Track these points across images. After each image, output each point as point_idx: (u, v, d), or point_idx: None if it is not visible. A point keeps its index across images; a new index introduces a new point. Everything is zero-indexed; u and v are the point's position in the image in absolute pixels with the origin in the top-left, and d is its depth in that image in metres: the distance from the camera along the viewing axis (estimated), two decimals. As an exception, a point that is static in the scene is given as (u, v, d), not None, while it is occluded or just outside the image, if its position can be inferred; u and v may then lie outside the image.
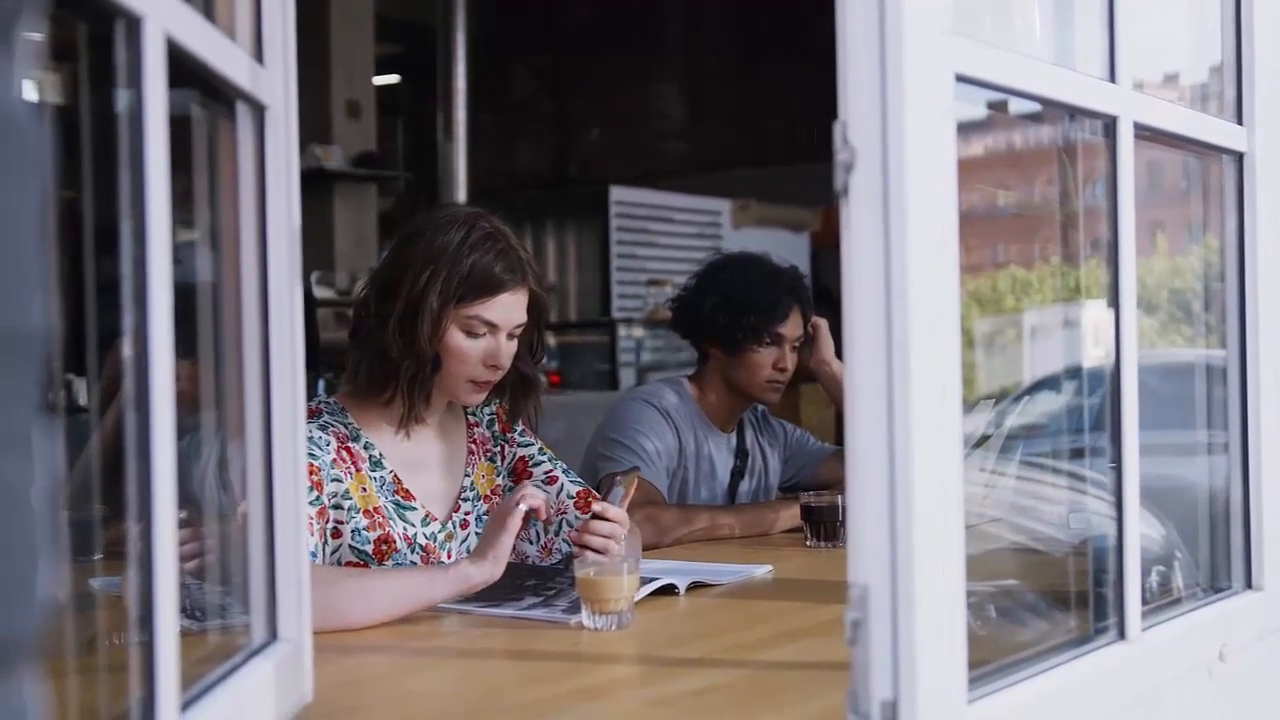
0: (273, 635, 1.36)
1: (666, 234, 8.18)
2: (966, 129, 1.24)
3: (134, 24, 0.98)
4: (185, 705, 1.07)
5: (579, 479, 2.40)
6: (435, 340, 2.16)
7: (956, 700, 1.20)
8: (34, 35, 0.60)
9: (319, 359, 4.86)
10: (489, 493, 2.36)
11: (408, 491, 2.24)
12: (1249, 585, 1.79)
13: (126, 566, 1.07)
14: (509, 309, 2.19)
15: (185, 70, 1.10)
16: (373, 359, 2.19)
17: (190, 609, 1.29)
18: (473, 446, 2.37)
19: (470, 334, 2.18)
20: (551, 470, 2.38)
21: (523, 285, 2.20)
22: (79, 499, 1.64)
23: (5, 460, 0.52)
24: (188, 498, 1.10)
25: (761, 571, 2.34)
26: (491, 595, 2.01)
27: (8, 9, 0.57)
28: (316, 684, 1.43)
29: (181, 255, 1.10)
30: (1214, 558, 1.84)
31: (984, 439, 1.92)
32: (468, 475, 2.34)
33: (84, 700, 1.09)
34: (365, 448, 2.22)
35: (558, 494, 2.34)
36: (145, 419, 0.99)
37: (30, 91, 0.60)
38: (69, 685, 1.04)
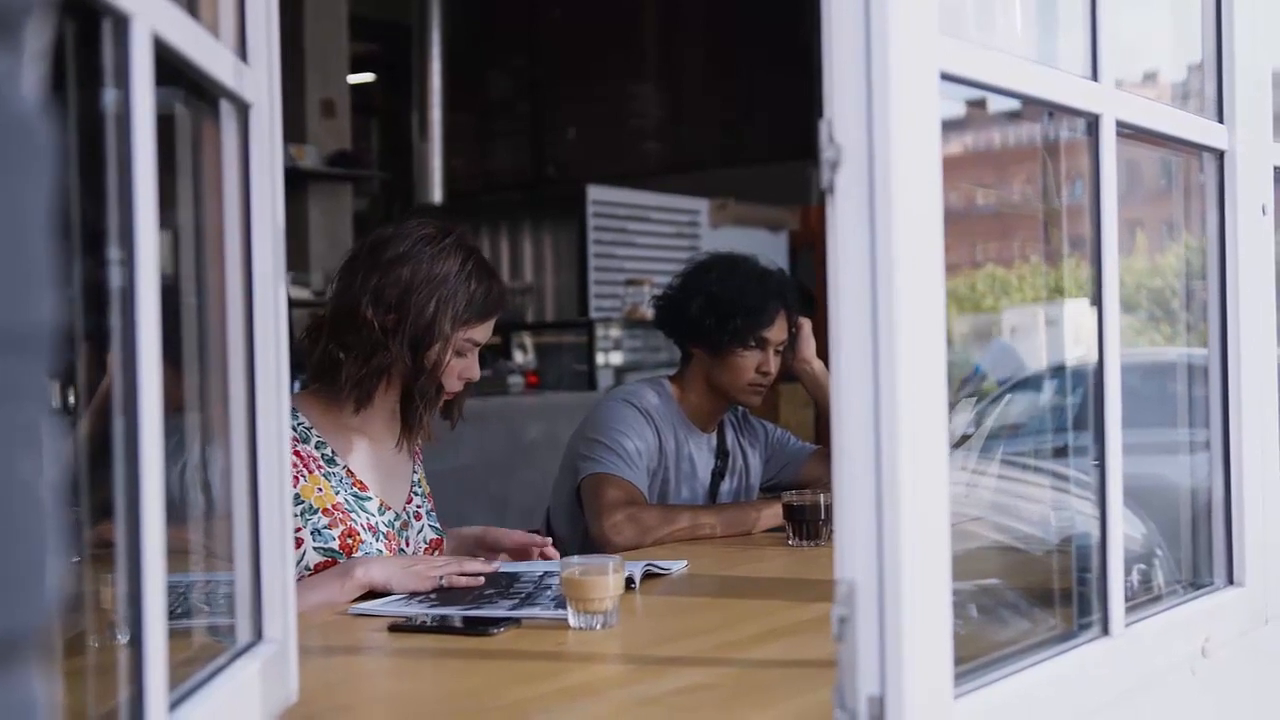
0: (258, 635, 1.36)
1: (644, 233, 8.16)
2: (945, 127, 1.24)
3: (121, 23, 0.97)
4: (173, 705, 1.06)
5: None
6: (443, 363, 2.25)
7: (943, 696, 1.21)
8: (42, 34, 0.60)
9: (294, 360, 4.85)
10: (429, 491, 2.47)
11: (361, 483, 2.30)
12: (1230, 581, 1.80)
13: (105, 568, 1.06)
14: (491, 329, 2.33)
15: (169, 68, 1.09)
16: (375, 375, 2.24)
17: (173, 608, 1.28)
18: (416, 448, 2.45)
19: (459, 354, 2.28)
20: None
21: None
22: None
23: (19, 456, 0.52)
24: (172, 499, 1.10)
25: (678, 567, 2.35)
26: (473, 601, 2.01)
27: (14, 7, 0.57)
28: (301, 684, 1.43)
29: (164, 255, 1.09)
30: (1196, 554, 1.85)
31: (964, 438, 1.93)
32: (415, 472, 2.44)
33: (69, 701, 1.09)
34: (316, 447, 2.27)
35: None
36: (132, 419, 0.98)
37: (37, 89, 0.59)
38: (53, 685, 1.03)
